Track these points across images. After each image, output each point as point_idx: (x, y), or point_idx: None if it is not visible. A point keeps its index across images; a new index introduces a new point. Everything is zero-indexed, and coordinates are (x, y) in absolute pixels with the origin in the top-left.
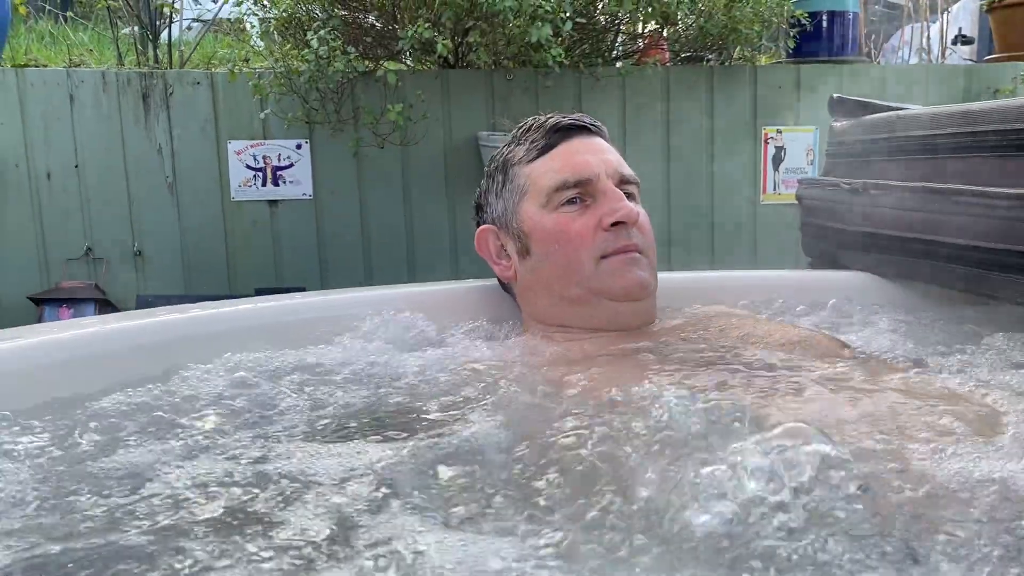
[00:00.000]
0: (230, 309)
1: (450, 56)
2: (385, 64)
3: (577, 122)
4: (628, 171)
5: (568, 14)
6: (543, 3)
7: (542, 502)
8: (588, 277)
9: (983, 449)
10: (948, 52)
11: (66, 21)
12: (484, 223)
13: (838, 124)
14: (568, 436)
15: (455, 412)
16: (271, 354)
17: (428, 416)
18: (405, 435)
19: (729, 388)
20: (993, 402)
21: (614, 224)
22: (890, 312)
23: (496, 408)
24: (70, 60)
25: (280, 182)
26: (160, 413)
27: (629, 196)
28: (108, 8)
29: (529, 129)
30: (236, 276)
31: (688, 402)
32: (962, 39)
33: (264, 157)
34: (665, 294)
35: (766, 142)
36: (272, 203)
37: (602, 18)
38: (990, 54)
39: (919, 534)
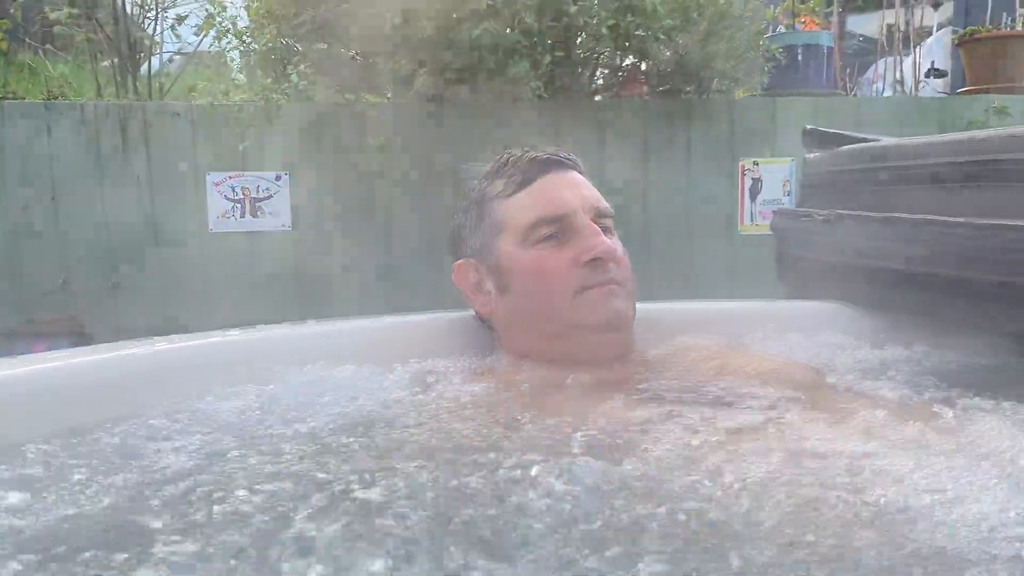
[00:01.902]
0: (196, 343)
1: (429, 89)
2: (366, 97)
3: (552, 157)
4: (604, 204)
5: (545, 49)
6: (521, 39)
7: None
8: (566, 312)
9: (955, 487)
10: (921, 85)
11: (45, 54)
12: (460, 257)
13: (811, 155)
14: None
15: (421, 446)
16: (237, 388)
17: (396, 450)
18: (373, 469)
19: (704, 420)
20: (957, 427)
21: (592, 260)
22: (864, 341)
23: (450, 447)
24: (48, 92)
25: (259, 213)
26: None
27: (605, 230)
28: (88, 41)
29: (505, 164)
30: (214, 307)
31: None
32: (935, 72)
33: (243, 188)
34: (643, 325)
35: (743, 174)
36: (250, 234)
37: (580, 52)
38: (963, 86)
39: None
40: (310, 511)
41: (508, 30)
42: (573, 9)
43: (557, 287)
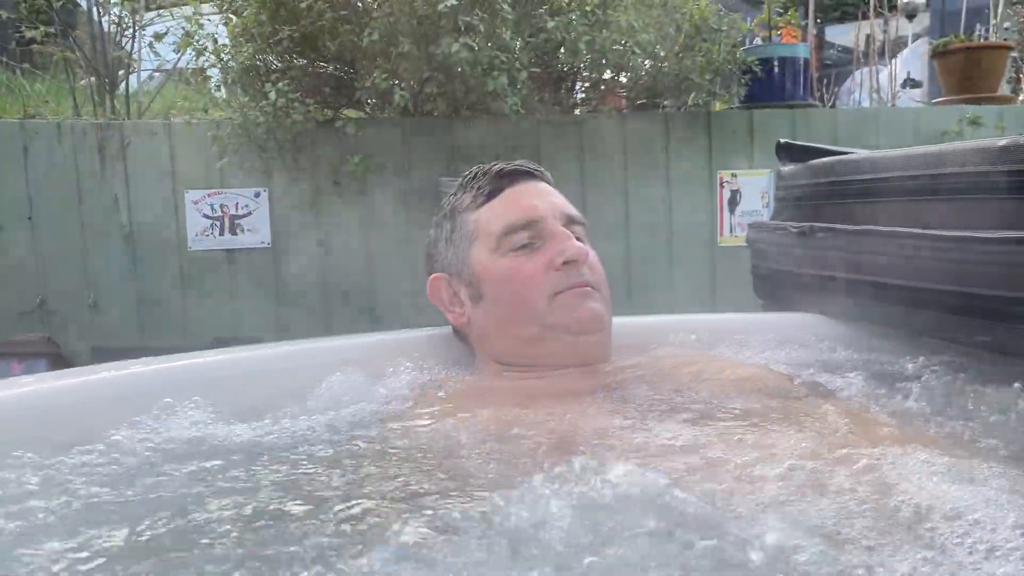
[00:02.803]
0: (170, 366)
1: (409, 104)
2: (345, 112)
3: (521, 167)
4: (574, 211)
5: (523, 64)
6: (498, 54)
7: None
8: (542, 315)
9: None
10: (898, 95)
11: (23, 73)
12: (435, 271)
13: (786, 168)
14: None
15: (401, 460)
16: (213, 412)
17: (374, 465)
18: (350, 486)
19: (682, 426)
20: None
21: (565, 263)
22: (839, 352)
23: (432, 457)
24: (25, 111)
25: (238, 230)
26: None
27: (577, 237)
28: (65, 60)
29: (474, 177)
30: (194, 326)
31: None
32: (911, 83)
33: (222, 206)
34: (622, 338)
35: (721, 186)
36: (230, 252)
37: (559, 67)
38: (939, 96)
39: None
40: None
41: (487, 45)
42: (551, 25)
43: (532, 292)
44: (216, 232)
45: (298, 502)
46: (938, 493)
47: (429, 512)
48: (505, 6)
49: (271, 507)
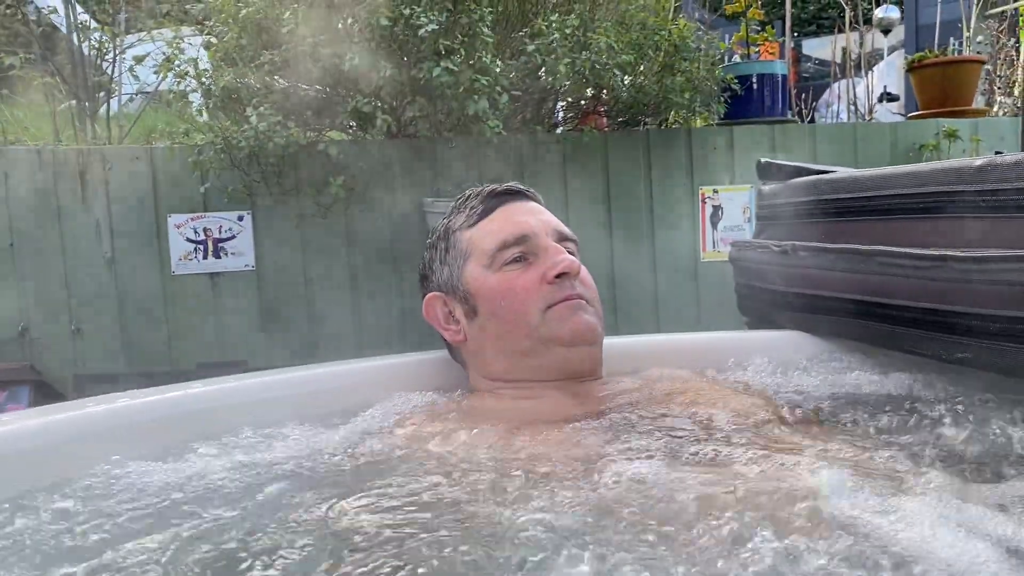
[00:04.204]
0: (156, 399)
1: (392, 127)
2: (327, 134)
3: (512, 188)
4: (565, 229)
5: (503, 87)
6: (479, 78)
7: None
8: (536, 327)
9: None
10: (876, 109)
11: (2, 98)
12: (430, 291)
13: (766, 187)
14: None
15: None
16: (197, 445)
17: (369, 490)
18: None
19: (674, 457)
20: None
21: (557, 276)
22: (822, 370)
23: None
24: (4, 137)
25: (222, 254)
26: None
27: (568, 252)
28: (45, 84)
29: (467, 198)
30: (178, 351)
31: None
32: (887, 96)
33: (205, 229)
34: (610, 358)
35: (703, 202)
36: (214, 275)
37: (541, 85)
38: (916, 109)
39: None
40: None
41: (468, 68)
42: (530, 48)
43: (525, 305)
44: (200, 256)
45: (268, 532)
46: (925, 517)
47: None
48: (485, 29)
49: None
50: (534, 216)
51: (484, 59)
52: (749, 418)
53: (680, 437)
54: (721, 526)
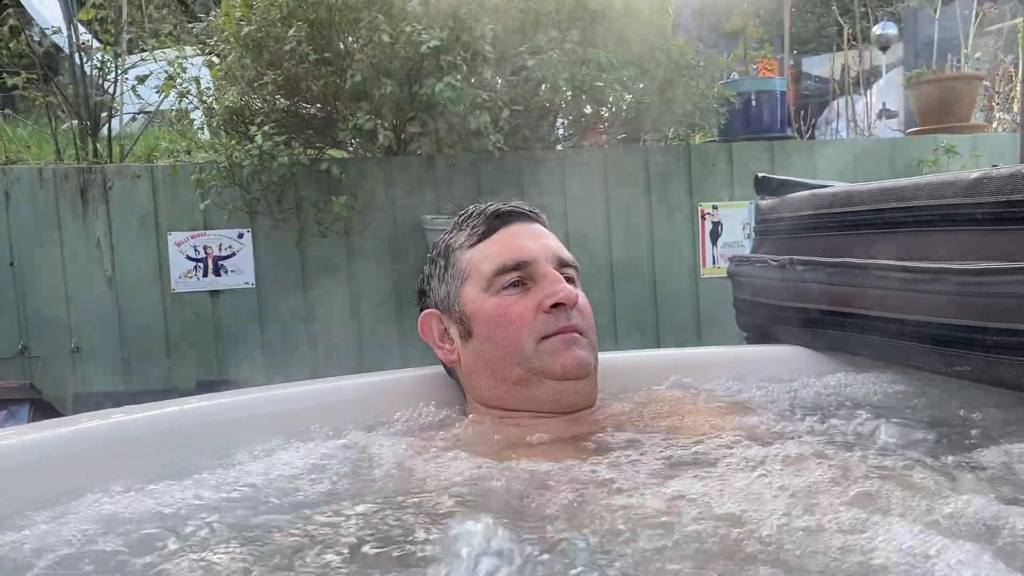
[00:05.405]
0: (152, 414)
1: (393, 144)
2: (329, 152)
3: (516, 209)
4: (567, 255)
5: (505, 102)
6: (480, 92)
7: None
8: (528, 357)
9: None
10: (875, 125)
11: (5, 118)
12: (427, 307)
13: (764, 202)
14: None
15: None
16: (195, 461)
17: (361, 508)
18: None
19: (668, 480)
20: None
21: (554, 306)
22: (819, 385)
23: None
24: (6, 157)
25: (222, 271)
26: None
27: (569, 280)
28: (47, 104)
29: (470, 216)
30: (178, 368)
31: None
32: (887, 113)
33: (205, 247)
34: (609, 374)
35: (703, 218)
36: (214, 293)
37: (541, 102)
38: (916, 125)
39: None
40: None
41: (469, 84)
42: (531, 63)
43: (519, 333)
44: (200, 274)
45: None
46: (921, 542)
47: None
48: (486, 46)
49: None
50: (535, 240)
51: (485, 74)
52: (736, 439)
53: (664, 467)
54: (710, 554)
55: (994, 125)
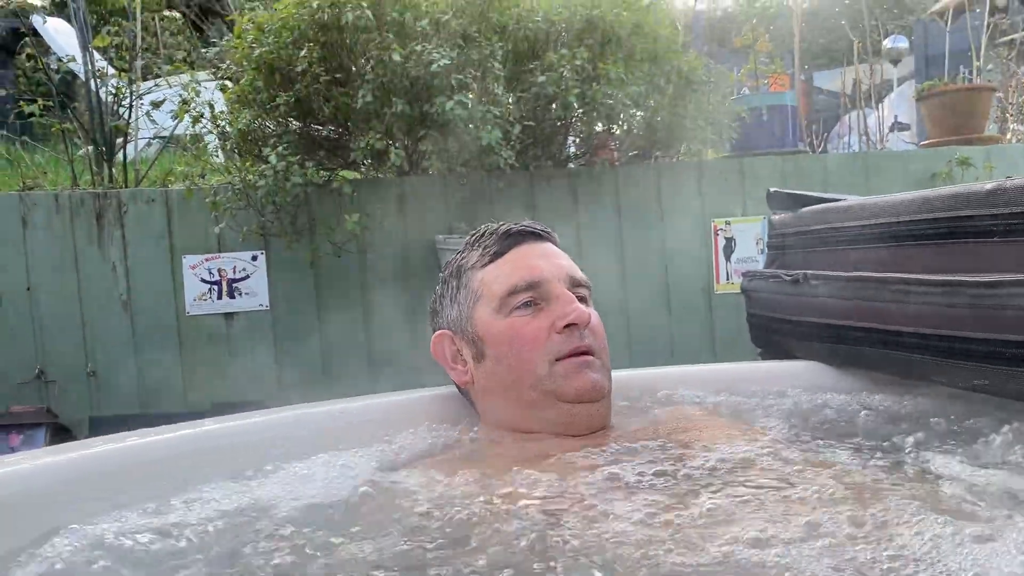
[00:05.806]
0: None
1: (404, 163)
2: (341, 173)
3: (528, 228)
4: (580, 274)
5: (516, 119)
6: (492, 108)
7: None
8: (542, 379)
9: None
10: (887, 138)
11: (23, 145)
12: (439, 328)
13: (777, 217)
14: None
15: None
16: (211, 483)
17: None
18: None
19: (682, 502)
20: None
21: (566, 326)
22: (835, 400)
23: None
24: (24, 183)
25: (236, 294)
26: None
27: (581, 299)
28: (63, 131)
29: (482, 236)
30: (193, 392)
31: None
32: (899, 126)
33: (219, 270)
34: (623, 392)
35: (716, 233)
36: (228, 316)
37: (553, 120)
38: (928, 138)
39: None
40: None
41: (480, 101)
42: (541, 79)
43: (532, 354)
44: (214, 296)
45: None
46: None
47: None
48: (496, 64)
49: None
50: (547, 260)
51: (496, 91)
52: (751, 460)
53: (679, 483)
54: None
55: (1008, 136)
